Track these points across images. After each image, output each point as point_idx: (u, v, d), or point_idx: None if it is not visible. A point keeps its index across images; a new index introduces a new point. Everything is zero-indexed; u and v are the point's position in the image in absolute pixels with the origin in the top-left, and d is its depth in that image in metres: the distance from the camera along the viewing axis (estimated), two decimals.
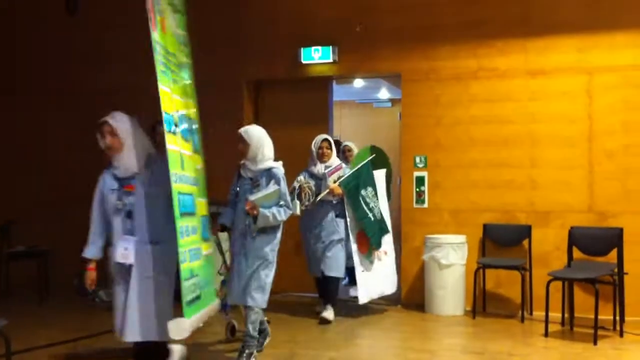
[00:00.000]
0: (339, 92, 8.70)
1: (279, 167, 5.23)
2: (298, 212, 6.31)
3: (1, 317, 4.44)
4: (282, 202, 5.08)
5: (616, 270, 6.21)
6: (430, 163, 7.36)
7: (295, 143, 7.60)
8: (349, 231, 6.56)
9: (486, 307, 7.02)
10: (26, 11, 8.78)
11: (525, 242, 6.95)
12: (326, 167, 6.68)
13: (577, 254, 6.53)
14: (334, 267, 6.63)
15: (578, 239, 6.50)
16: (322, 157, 6.70)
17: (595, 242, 6.46)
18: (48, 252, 7.89)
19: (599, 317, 5.83)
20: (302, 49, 7.73)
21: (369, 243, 6.67)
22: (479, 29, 7.20)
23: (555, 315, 6.33)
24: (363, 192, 6.61)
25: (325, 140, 6.75)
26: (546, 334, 6.01)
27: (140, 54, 8.27)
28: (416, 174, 7.41)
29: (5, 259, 7.78)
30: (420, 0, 7.40)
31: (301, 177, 6.64)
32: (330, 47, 7.62)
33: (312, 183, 6.59)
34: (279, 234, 5.19)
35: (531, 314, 6.81)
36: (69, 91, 8.58)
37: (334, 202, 6.63)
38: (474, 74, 7.23)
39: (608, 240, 6.36)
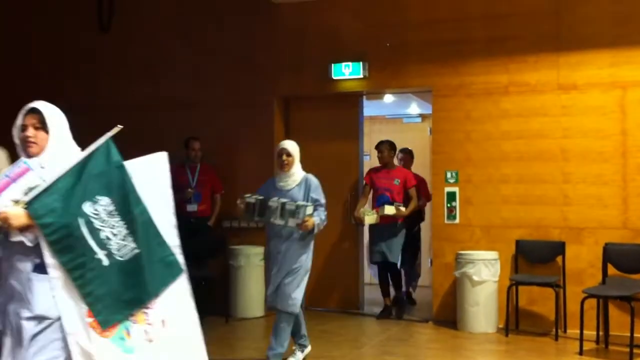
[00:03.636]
0: (369, 107, 8.71)
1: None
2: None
3: None
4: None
5: None
6: (461, 178, 7.33)
7: (325, 159, 7.64)
8: None
9: (519, 325, 6.94)
10: (58, 27, 8.93)
11: (559, 259, 6.86)
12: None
13: (611, 270, 6.44)
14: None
15: (613, 255, 6.41)
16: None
17: (631, 259, 6.37)
18: None
19: (635, 335, 5.73)
20: (332, 64, 7.76)
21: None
22: (509, 44, 7.17)
23: (590, 333, 6.23)
24: (87, 207, 3.04)
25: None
26: (581, 353, 5.92)
27: (171, 71, 8.45)
28: (447, 189, 7.38)
29: None
30: (450, 15, 7.40)
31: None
32: (361, 62, 7.64)
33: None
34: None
35: (565, 331, 6.72)
36: (99, 106, 8.68)
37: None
38: (505, 89, 7.19)
39: None
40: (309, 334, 5.72)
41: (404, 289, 8.12)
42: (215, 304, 7.53)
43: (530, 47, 7.10)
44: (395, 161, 7.97)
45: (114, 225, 3.06)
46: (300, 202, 5.28)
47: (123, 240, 3.07)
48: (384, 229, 7.43)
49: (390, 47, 7.61)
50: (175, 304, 3.25)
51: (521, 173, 7.10)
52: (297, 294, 5.38)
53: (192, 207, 7.59)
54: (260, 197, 5.37)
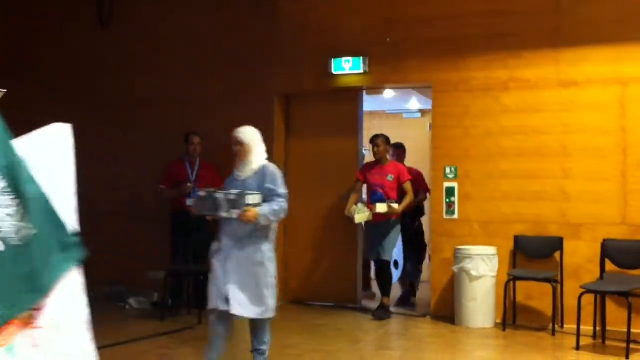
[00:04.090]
0: (368, 102, 8.71)
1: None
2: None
3: None
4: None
5: None
6: (460, 174, 7.33)
7: (325, 154, 7.66)
8: None
9: (517, 320, 6.95)
10: (57, 22, 8.94)
11: (557, 254, 6.88)
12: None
13: (609, 266, 6.45)
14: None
15: (611, 251, 6.43)
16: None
17: (629, 255, 6.38)
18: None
19: (632, 330, 5.75)
20: (332, 59, 7.76)
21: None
22: (509, 39, 7.17)
23: (587, 328, 6.25)
24: None
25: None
26: (577, 348, 5.94)
27: (171, 66, 8.47)
28: (446, 184, 7.38)
29: None
30: (450, 11, 7.40)
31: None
32: (361, 57, 7.65)
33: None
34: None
35: (562, 327, 6.73)
36: (98, 101, 8.70)
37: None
38: (504, 84, 7.20)
39: None
40: (306, 328, 5.72)
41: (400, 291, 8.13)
42: None
43: (530, 43, 7.10)
44: (389, 156, 7.78)
45: (8, 205, 2.63)
46: (246, 192, 4.74)
47: (21, 221, 2.64)
48: (378, 226, 7.34)
49: (391, 43, 7.61)
50: (67, 301, 2.83)
51: (520, 169, 7.11)
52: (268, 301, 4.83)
53: (191, 202, 7.57)
54: (211, 190, 4.93)
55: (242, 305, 4.77)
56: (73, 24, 8.83)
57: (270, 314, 4.86)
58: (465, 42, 7.33)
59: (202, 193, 5.01)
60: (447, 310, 7.14)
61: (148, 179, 8.06)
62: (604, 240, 6.47)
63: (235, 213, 4.71)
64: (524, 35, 7.12)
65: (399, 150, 8.33)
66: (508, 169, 7.15)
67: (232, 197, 4.74)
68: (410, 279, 8.23)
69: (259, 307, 4.80)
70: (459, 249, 6.95)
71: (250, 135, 5.06)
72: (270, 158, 5.17)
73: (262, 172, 4.92)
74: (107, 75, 8.71)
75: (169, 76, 8.46)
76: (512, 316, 6.93)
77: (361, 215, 7.26)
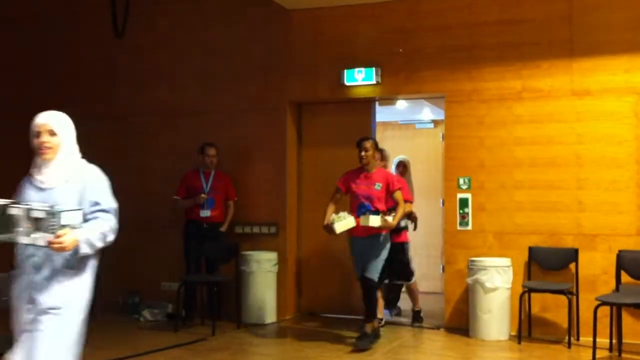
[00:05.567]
0: (381, 113, 8.70)
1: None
2: None
3: None
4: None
5: None
6: (474, 185, 7.30)
7: (338, 164, 7.63)
8: None
9: (532, 332, 6.90)
10: (74, 35, 9.00)
11: (572, 266, 6.82)
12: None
13: (625, 278, 6.39)
14: None
15: (626, 262, 6.36)
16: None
17: None
18: None
19: None
20: (345, 70, 7.76)
21: None
22: (523, 49, 7.14)
23: (603, 341, 6.18)
24: None
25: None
26: None
27: (185, 76, 8.49)
28: (460, 195, 7.35)
29: None
30: (463, 21, 7.39)
31: None
32: (374, 68, 7.64)
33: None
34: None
35: (578, 339, 6.67)
36: (114, 113, 8.74)
37: None
38: (518, 94, 7.17)
39: None
40: (320, 340, 5.68)
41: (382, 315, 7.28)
42: (227, 309, 7.56)
43: (543, 53, 7.07)
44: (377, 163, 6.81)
45: None
46: (59, 207, 3.20)
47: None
48: (365, 242, 6.47)
49: (403, 53, 7.60)
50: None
51: (534, 179, 7.07)
52: None
53: (205, 213, 7.62)
54: (5, 202, 3.24)
55: None
56: (89, 35, 8.87)
57: None
58: (478, 52, 7.31)
59: None
60: (461, 322, 7.09)
61: (163, 189, 8.08)
62: (620, 252, 6.42)
63: (42, 238, 3.15)
64: (538, 45, 7.09)
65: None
66: (522, 179, 7.11)
67: (37, 213, 3.16)
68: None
69: None
70: (473, 261, 6.91)
71: (63, 122, 3.47)
72: (84, 156, 3.56)
73: (79, 179, 3.41)
74: (122, 86, 8.75)
75: (183, 87, 8.49)
76: (528, 328, 6.88)
77: (342, 223, 6.31)
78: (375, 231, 6.38)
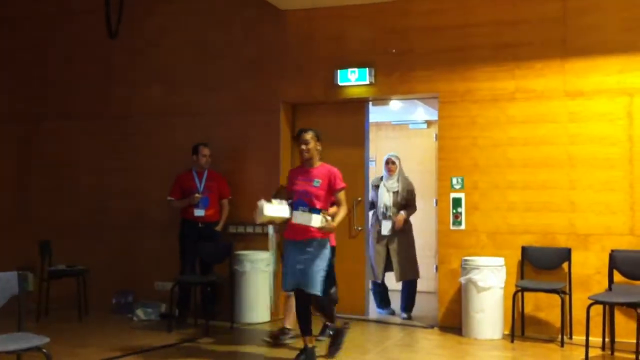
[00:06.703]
0: (374, 113, 8.71)
1: None
2: None
3: (43, 335, 4.50)
4: None
5: None
6: (467, 185, 7.32)
7: (331, 165, 7.63)
8: None
9: (525, 331, 6.92)
10: (69, 36, 9.00)
11: (565, 265, 6.85)
12: None
13: (618, 277, 6.41)
14: None
15: (619, 262, 6.39)
16: None
17: (637, 265, 6.34)
18: (85, 271, 7.99)
19: None
20: (338, 71, 7.77)
21: None
22: (516, 50, 7.17)
23: (596, 339, 6.21)
24: None
25: None
26: (586, 359, 5.90)
27: (179, 76, 8.49)
28: (453, 195, 7.37)
29: (47, 276, 7.89)
30: (456, 21, 7.41)
31: None
32: (367, 68, 7.65)
33: None
34: None
35: (571, 338, 6.70)
36: (108, 113, 8.74)
37: None
38: (511, 95, 7.19)
39: None
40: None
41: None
42: (220, 309, 7.56)
43: (537, 54, 7.10)
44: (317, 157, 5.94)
45: None
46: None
47: None
48: (301, 245, 5.62)
49: (397, 53, 7.62)
50: None
51: (528, 179, 7.09)
52: None
53: (199, 212, 7.62)
54: None
55: None
56: (83, 36, 8.86)
57: None
58: (471, 52, 7.34)
59: None
60: (455, 322, 7.11)
61: (157, 188, 8.09)
62: (612, 251, 6.44)
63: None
64: (531, 46, 7.12)
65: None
66: (515, 179, 7.13)
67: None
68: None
69: None
70: (466, 260, 6.93)
71: None
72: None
73: None
74: (116, 86, 8.75)
75: (177, 87, 8.49)
76: (521, 327, 6.90)
77: (274, 207, 5.40)
78: (313, 234, 5.56)
